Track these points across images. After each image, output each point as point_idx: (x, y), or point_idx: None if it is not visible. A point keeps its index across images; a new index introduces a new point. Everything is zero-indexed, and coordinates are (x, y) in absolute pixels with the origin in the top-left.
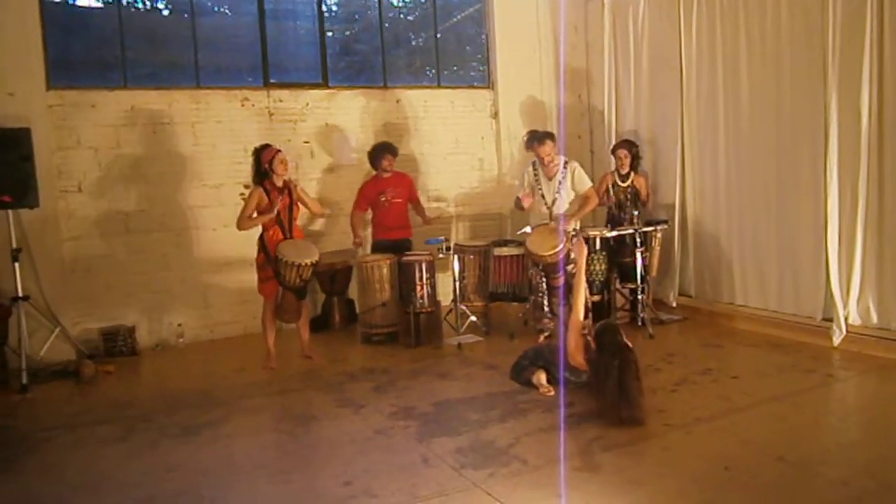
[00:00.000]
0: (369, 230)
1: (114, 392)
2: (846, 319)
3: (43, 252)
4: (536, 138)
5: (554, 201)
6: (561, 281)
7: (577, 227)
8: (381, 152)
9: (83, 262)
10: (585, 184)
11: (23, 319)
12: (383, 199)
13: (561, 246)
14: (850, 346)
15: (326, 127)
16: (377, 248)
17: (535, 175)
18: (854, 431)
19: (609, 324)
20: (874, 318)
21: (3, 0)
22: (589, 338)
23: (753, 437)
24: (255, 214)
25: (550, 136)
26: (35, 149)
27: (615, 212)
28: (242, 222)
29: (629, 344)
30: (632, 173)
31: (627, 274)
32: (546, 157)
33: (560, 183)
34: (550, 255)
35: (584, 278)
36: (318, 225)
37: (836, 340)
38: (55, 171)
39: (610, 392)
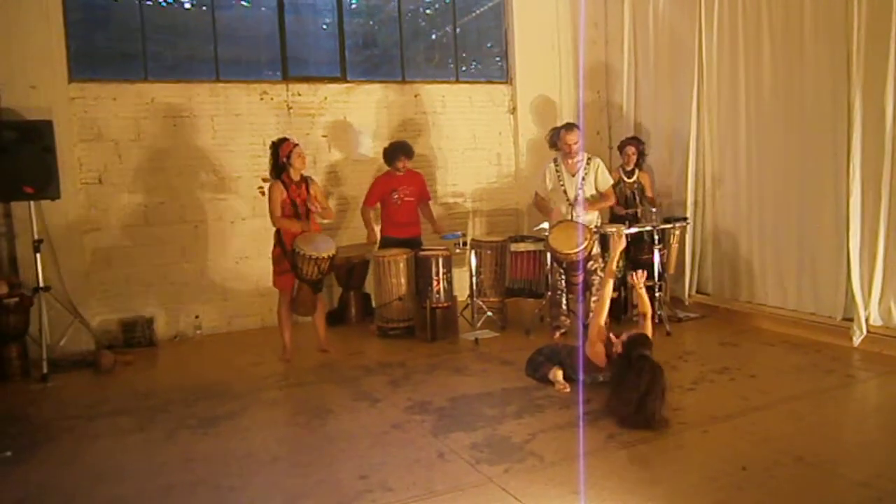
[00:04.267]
0: (378, 227)
1: (132, 382)
2: (867, 319)
3: (64, 243)
4: (563, 126)
5: (576, 197)
6: (580, 279)
7: (598, 224)
8: (397, 153)
9: (103, 254)
10: (608, 182)
11: (44, 310)
12: (395, 196)
13: (584, 244)
14: (870, 347)
15: (344, 121)
16: (385, 244)
17: (558, 171)
18: (874, 432)
19: (642, 337)
20: (895, 319)
21: None
22: (611, 334)
23: (771, 436)
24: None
25: (576, 125)
26: (57, 141)
27: (622, 208)
28: (278, 220)
29: (658, 365)
30: (636, 170)
31: (645, 271)
32: (574, 144)
33: (583, 179)
34: (573, 254)
35: (613, 270)
36: (335, 218)
37: (857, 341)
38: (76, 163)
39: (628, 404)
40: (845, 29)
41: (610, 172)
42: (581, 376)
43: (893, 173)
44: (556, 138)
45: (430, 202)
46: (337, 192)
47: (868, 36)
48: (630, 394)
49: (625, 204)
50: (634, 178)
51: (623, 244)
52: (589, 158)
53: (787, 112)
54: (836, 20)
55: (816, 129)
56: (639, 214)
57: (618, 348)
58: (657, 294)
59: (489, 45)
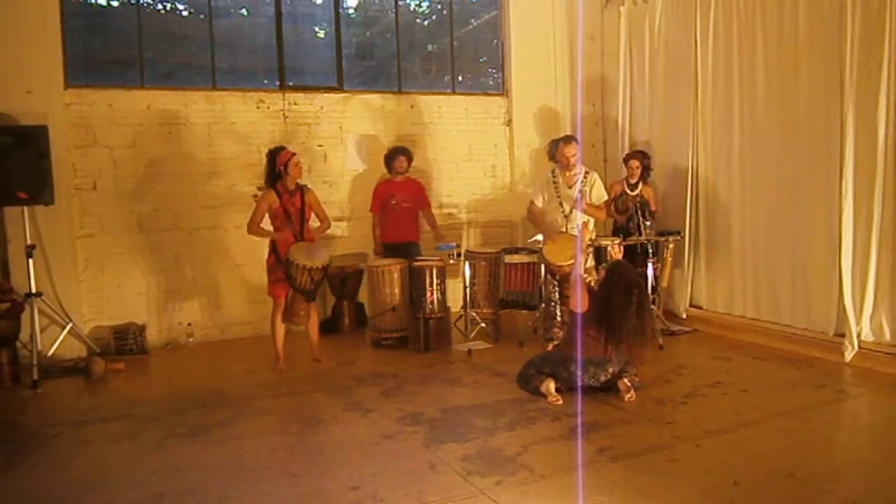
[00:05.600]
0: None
1: (123, 390)
2: (859, 335)
3: (57, 249)
4: (562, 139)
5: (571, 210)
6: None
7: (594, 237)
8: (394, 154)
9: (96, 260)
10: (602, 197)
11: (35, 316)
12: (393, 202)
13: (579, 257)
14: (862, 363)
15: (340, 131)
16: (384, 250)
17: (555, 182)
18: (865, 449)
19: (621, 261)
20: (887, 335)
21: None
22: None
23: (763, 451)
24: (266, 220)
25: (575, 138)
26: (51, 146)
27: (623, 221)
28: (253, 228)
29: (639, 280)
30: (640, 183)
31: (621, 238)
32: (572, 157)
33: (579, 192)
34: (568, 266)
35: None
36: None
37: (848, 356)
38: (71, 168)
39: (628, 323)
40: (839, 44)
41: (606, 185)
42: (580, 373)
43: (886, 189)
44: (555, 150)
45: (430, 209)
46: (332, 201)
47: (861, 52)
48: (628, 320)
49: (626, 217)
50: (637, 191)
51: (591, 234)
52: (587, 172)
53: (782, 127)
54: (830, 36)
55: (810, 144)
56: (640, 228)
57: (601, 273)
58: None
59: (485, 57)
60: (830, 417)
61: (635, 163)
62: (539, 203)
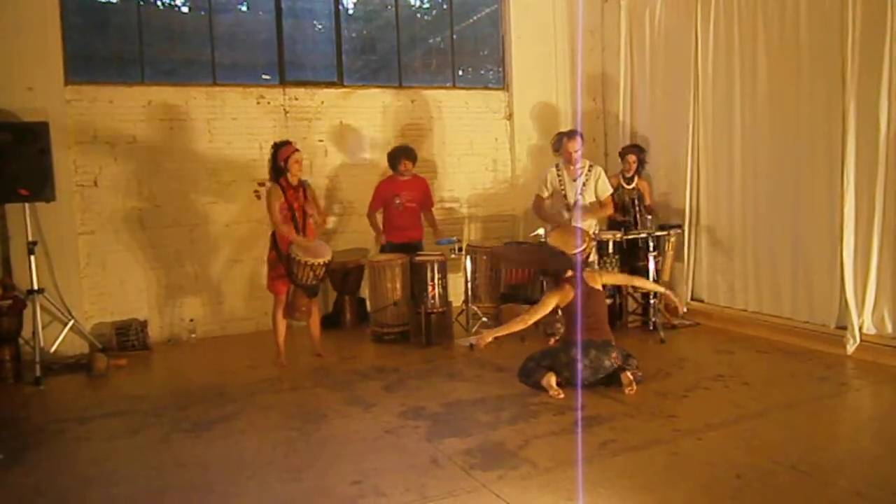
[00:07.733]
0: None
1: (125, 386)
2: (860, 328)
3: (58, 246)
4: (566, 133)
5: (575, 203)
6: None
7: (597, 231)
8: (399, 156)
9: (97, 257)
10: (607, 191)
11: (37, 312)
12: (397, 201)
13: (582, 247)
14: (864, 355)
15: (341, 125)
16: (386, 249)
17: (559, 176)
18: (867, 441)
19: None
20: (889, 328)
21: None
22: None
23: (765, 444)
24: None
25: (578, 132)
26: (52, 143)
27: (619, 215)
28: (281, 226)
29: None
30: (636, 177)
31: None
32: (574, 152)
33: (583, 185)
34: (571, 255)
35: None
36: (331, 223)
37: (850, 349)
38: (72, 165)
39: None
40: (840, 37)
41: (608, 179)
42: (579, 356)
43: (887, 182)
44: (560, 144)
45: (432, 210)
46: (333, 196)
47: (862, 44)
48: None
49: (622, 211)
50: (633, 185)
51: (594, 228)
52: (591, 166)
53: (783, 120)
54: (832, 29)
55: (811, 137)
56: (637, 222)
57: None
58: (652, 301)
59: (486, 51)
60: (833, 410)
61: (632, 157)
62: (544, 196)
